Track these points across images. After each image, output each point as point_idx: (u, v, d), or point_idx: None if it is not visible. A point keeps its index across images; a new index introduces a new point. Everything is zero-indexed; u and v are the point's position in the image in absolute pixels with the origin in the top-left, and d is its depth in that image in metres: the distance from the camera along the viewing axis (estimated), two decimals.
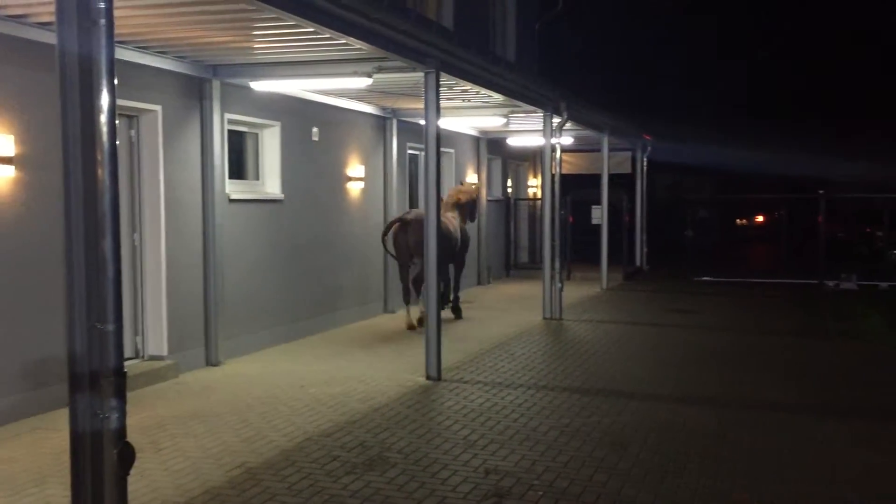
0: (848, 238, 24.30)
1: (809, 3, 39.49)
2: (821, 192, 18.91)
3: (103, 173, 3.90)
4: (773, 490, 5.38)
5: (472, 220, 12.95)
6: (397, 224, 11.44)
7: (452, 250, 11.99)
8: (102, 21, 3.82)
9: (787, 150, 32.45)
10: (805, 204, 21.30)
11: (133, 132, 8.39)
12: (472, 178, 16.69)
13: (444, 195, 11.87)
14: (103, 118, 3.85)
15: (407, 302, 11.46)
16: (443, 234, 10.55)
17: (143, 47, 7.94)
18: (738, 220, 36.29)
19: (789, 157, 32.20)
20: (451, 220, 12.03)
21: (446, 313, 11.67)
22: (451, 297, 12.44)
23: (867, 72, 39.03)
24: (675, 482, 5.52)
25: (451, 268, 12.32)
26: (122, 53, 7.74)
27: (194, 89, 8.83)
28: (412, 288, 11.51)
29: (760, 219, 35.96)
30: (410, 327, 11.28)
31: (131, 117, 8.35)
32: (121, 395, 4.17)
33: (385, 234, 11.54)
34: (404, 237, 11.33)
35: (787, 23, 40.40)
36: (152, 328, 8.53)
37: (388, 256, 12.18)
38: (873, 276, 17.72)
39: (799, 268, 18.67)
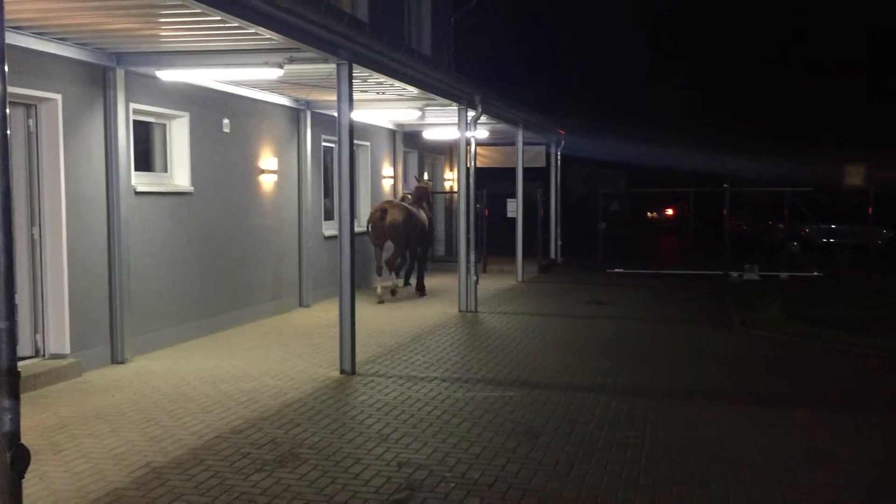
0: (751, 230, 25.28)
1: (718, 8, 40.84)
2: (725, 185, 19.58)
3: None
4: (679, 473, 5.56)
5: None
6: (378, 211, 13.55)
7: (423, 236, 14.46)
8: None
9: (697, 148, 33.55)
10: (712, 198, 22.03)
11: (31, 122, 8.05)
12: (388, 170, 16.68)
13: (411, 193, 15.26)
14: None
15: (379, 275, 13.75)
16: (418, 223, 14.06)
17: (41, 33, 7.61)
18: (649, 213, 37.26)
19: (699, 154, 33.30)
20: (420, 210, 14.38)
21: (411, 289, 14.79)
22: (415, 276, 14.79)
23: (769, 76, 40.68)
24: (584, 469, 5.64)
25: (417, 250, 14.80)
26: (19, 39, 7.42)
27: (97, 78, 8.52)
28: (385, 266, 13.66)
29: (670, 212, 36.99)
30: (381, 302, 13.28)
31: (29, 106, 8.00)
32: (14, 396, 4.01)
33: (370, 219, 13.72)
34: (381, 222, 13.44)
35: (694, 26, 41.68)
36: (53, 325, 8.21)
37: (304, 249, 12.89)
38: (774, 266, 18.48)
39: (705, 259, 19.30)
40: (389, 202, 14.13)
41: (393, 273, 13.72)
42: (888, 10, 36.49)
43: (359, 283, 14.79)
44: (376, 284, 13.67)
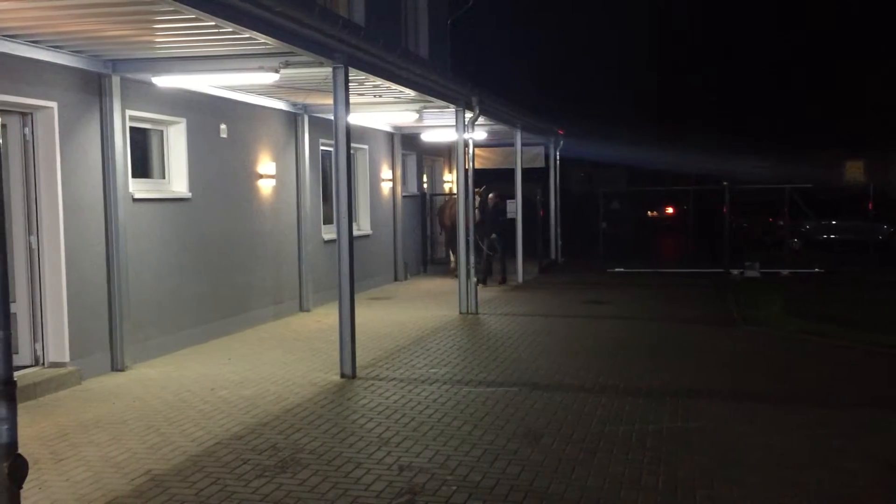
0: (751, 228, 25.25)
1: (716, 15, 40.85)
2: (725, 183, 19.54)
3: None
4: (682, 474, 5.53)
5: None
6: (446, 207, 17.42)
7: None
8: None
9: (698, 147, 33.54)
10: (712, 196, 22.00)
11: (27, 130, 8.03)
12: (387, 173, 16.67)
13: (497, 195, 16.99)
14: None
15: (447, 255, 18.24)
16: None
17: (35, 41, 7.59)
18: (649, 212, 37.17)
19: (699, 153, 33.29)
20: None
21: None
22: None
23: (769, 79, 40.70)
24: (586, 471, 5.61)
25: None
26: (13, 48, 7.42)
27: (93, 85, 8.50)
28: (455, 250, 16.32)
29: (670, 210, 36.91)
30: (452, 271, 16.41)
31: (25, 114, 7.99)
32: (11, 406, 3.97)
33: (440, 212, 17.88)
34: (449, 214, 16.68)
35: (694, 32, 41.67)
36: (53, 334, 8.18)
37: (303, 253, 12.90)
38: (775, 263, 18.44)
39: (706, 257, 19.26)
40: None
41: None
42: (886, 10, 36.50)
43: (367, 285, 14.92)
44: (453, 264, 17.00)
